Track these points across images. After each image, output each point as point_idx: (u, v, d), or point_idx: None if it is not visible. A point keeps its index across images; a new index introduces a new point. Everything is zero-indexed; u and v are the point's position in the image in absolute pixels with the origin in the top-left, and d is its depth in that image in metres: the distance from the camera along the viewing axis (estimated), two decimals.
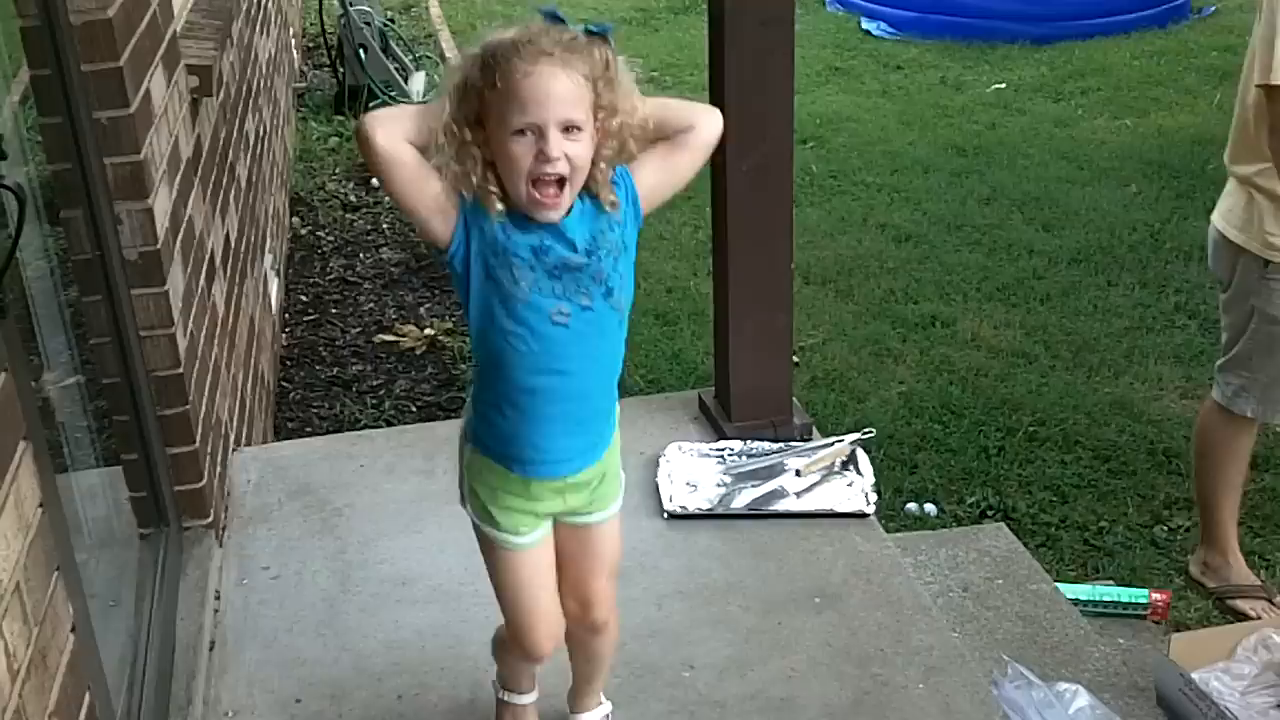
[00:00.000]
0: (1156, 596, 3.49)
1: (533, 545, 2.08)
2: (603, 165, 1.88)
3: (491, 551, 2.11)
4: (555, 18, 1.84)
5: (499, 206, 1.86)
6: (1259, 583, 3.57)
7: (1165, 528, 3.91)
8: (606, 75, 1.84)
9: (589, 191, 1.91)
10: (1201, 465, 3.56)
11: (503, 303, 1.91)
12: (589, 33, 1.86)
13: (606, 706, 2.44)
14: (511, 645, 2.21)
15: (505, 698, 2.40)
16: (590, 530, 2.14)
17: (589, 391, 2.01)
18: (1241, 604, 3.53)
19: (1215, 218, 3.29)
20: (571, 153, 1.81)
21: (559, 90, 1.79)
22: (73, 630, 1.63)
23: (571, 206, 1.89)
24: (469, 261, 1.90)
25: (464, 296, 1.95)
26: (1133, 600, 3.48)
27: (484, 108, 1.81)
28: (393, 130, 1.84)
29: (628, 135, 1.89)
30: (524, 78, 1.77)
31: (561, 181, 1.83)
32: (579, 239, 1.90)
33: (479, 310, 1.93)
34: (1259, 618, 3.46)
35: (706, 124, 2.00)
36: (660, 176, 1.99)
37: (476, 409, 2.05)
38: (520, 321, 1.91)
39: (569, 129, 1.80)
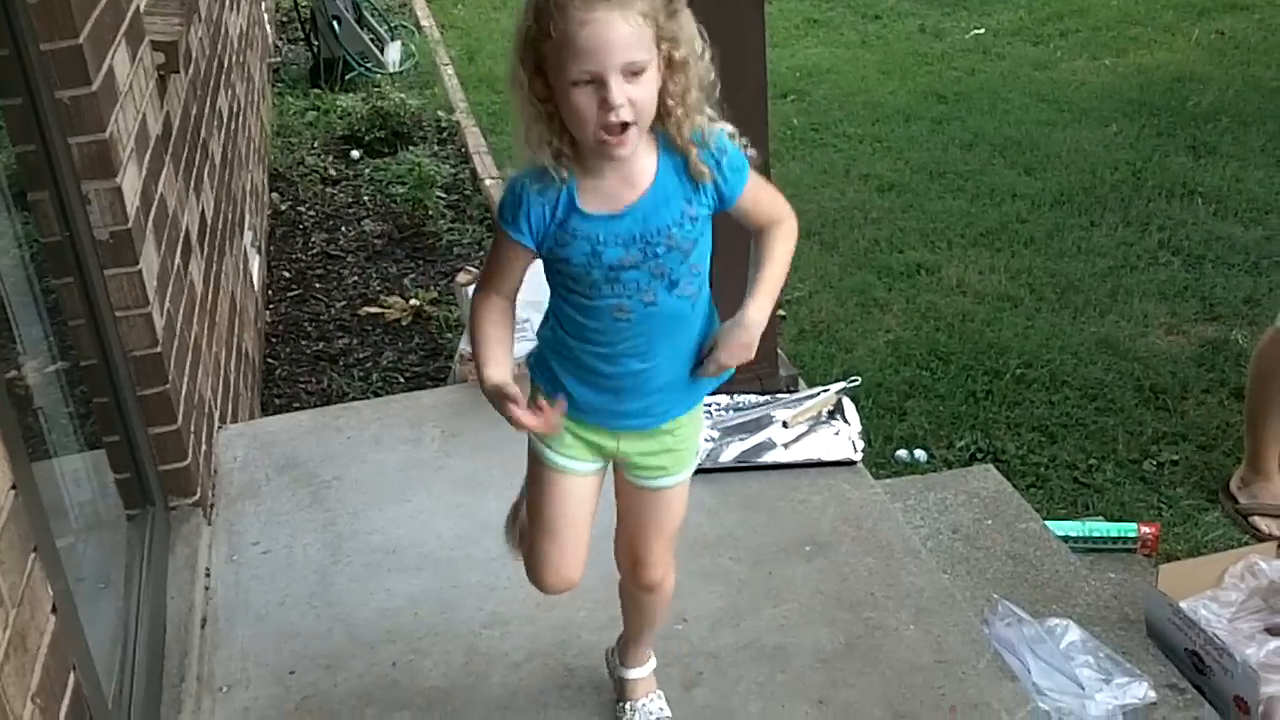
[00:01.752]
0: (1145, 530, 3.50)
1: (572, 472, 2.06)
2: (677, 107, 1.80)
3: (534, 465, 2.09)
4: None
5: (564, 174, 1.83)
6: None
7: (1153, 462, 3.92)
8: (670, 9, 1.77)
9: (672, 152, 1.85)
10: (1255, 389, 3.62)
11: (569, 294, 1.93)
12: None
13: (653, 663, 2.42)
14: (528, 553, 2.18)
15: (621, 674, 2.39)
16: (652, 494, 2.11)
17: (651, 370, 1.97)
18: (1260, 520, 3.62)
19: None
20: (635, 96, 1.74)
21: (618, 36, 1.71)
22: (53, 611, 1.63)
23: (645, 194, 1.84)
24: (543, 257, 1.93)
25: (544, 268, 1.96)
26: (1122, 534, 3.50)
27: (541, 57, 1.75)
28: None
29: (694, 66, 1.81)
30: (580, 26, 1.70)
31: (625, 126, 1.76)
32: (644, 231, 1.85)
33: (553, 289, 1.96)
34: (1271, 534, 3.54)
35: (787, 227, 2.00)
36: (749, 211, 1.95)
37: (547, 349, 2.03)
38: (582, 313, 1.93)
39: (632, 72, 1.73)
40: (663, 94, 1.79)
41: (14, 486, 1.55)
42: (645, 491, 2.11)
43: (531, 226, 1.87)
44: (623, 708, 2.39)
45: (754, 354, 1.96)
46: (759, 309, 1.93)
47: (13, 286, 2.44)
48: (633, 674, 2.39)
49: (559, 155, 1.82)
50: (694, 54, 1.80)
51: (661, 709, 2.39)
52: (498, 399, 1.89)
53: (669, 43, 1.77)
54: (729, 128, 1.89)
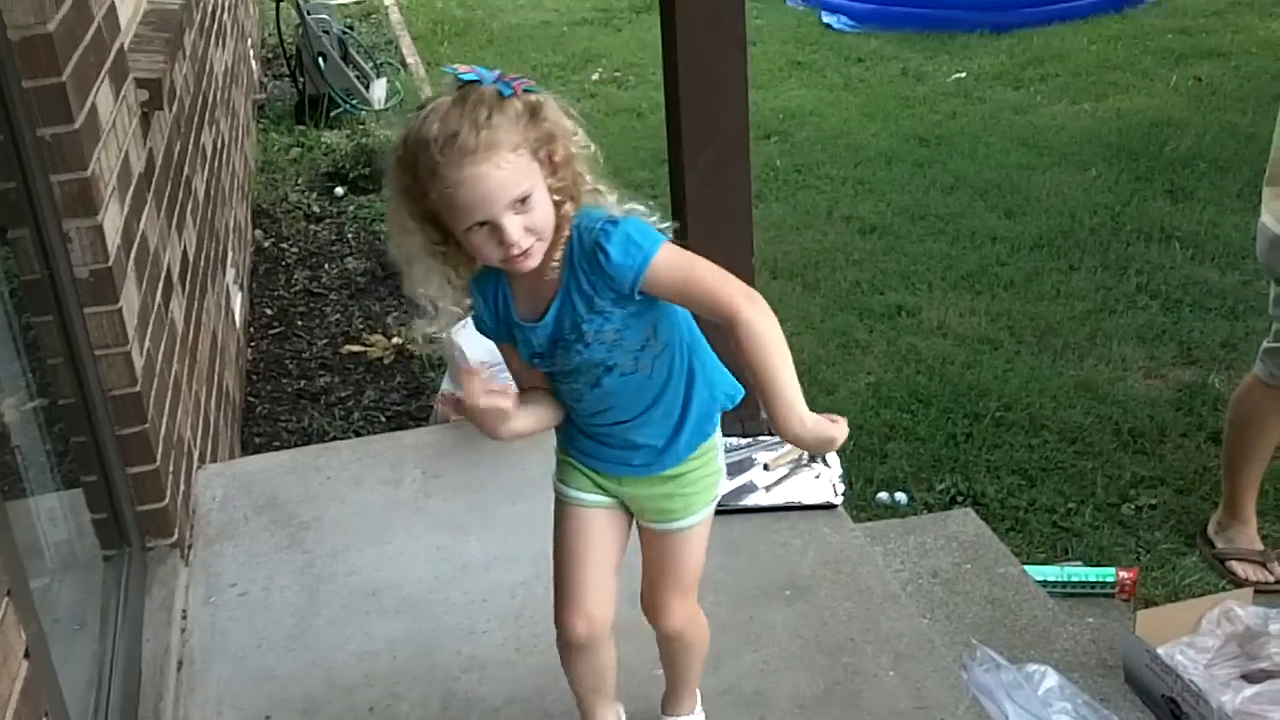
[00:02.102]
0: (1124, 575, 3.51)
1: (586, 504, 2.08)
2: (565, 202, 1.80)
3: (556, 504, 2.12)
4: (469, 79, 1.77)
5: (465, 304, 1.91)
6: (1261, 548, 3.65)
7: (1132, 506, 3.93)
8: (533, 121, 1.76)
9: (573, 261, 1.84)
10: (1233, 435, 3.64)
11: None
12: (501, 94, 1.75)
13: (700, 713, 2.41)
14: (556, 624, 2.15)
15: None
16: (662, 537, 2.11)
17: (631, 426, 1.99)
18: (1236, 565, 3.63)
19: (1266, 217, 3.32)
20: (529, 223, 1.76)
21: (494, 186, 1.72)
22: (26, 655, 1.61)
23: (554, 299, 1.86)
24: None
25: None
26: (1100, 579, 3.51)
27: (429, 205, 1.77)
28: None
29: (576, 154, 1.81)
30: (456, 188, 1.72)
31: (527, 251, 1.78)
32: (560, 334, 1.88)
33: None
34: (1247, 579, 3.55)
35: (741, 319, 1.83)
36: (679, 299, 1.87)
37: None
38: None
39: (520, 202, 1.75)
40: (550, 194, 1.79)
41: None
42: (656, 535, 2.11)
43: (489, 325, 1.95)
44: None
45: (815, 438, 1.87)
46: (780, 419, 1.85)
47: None
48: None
49: (457, 286, 1.87)
50: (572, 141, 1.81)
51: None
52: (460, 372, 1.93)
53: (545, 148, 1.77)
54: (638, 207, 1.86)
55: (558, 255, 1.83)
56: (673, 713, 2.40)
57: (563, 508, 2.11)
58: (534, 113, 1.76)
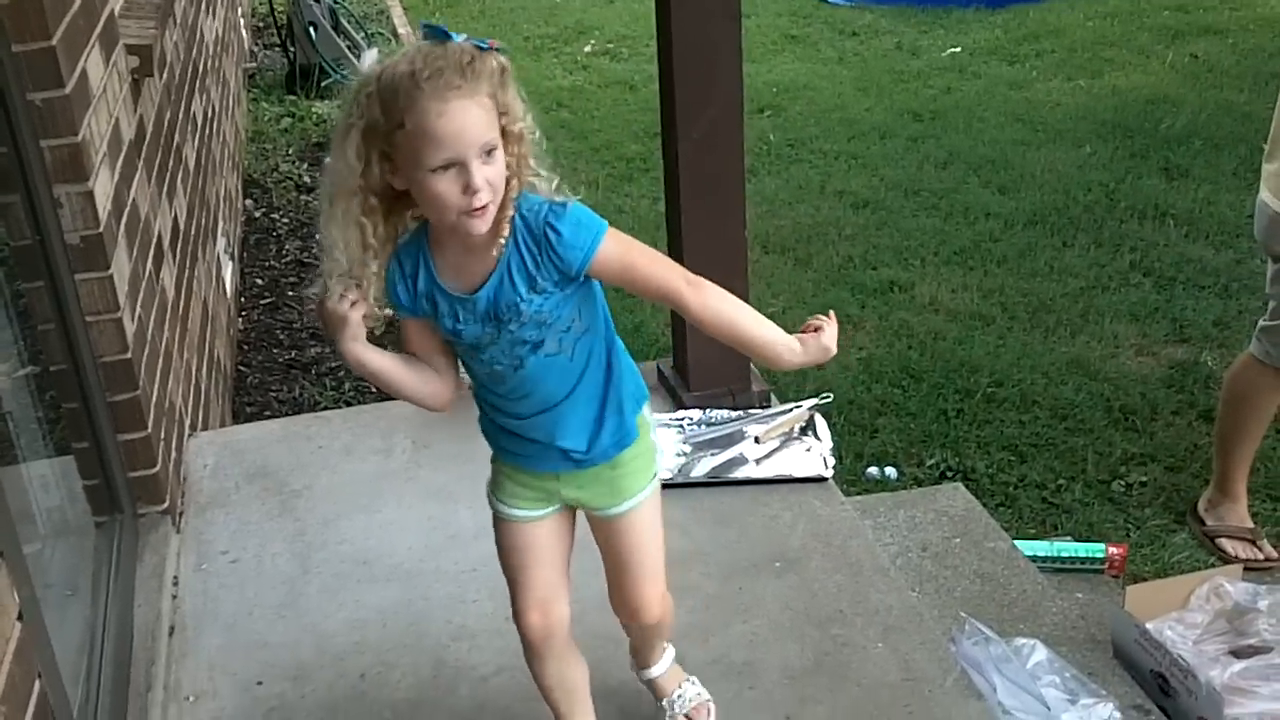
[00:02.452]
0: (1113, 550, 3.53)
1: (522, 519, 2.09)
2: (513, 177, 1.82)
3: (496, 524, 2.12)
4: (443, 34, 1.78)
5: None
6: (1251, 526, 3.66)
7: (1122, 483, 3.94)
8: (503, 82, 1.78)
9: (517, 239, 1.85)
10: (1226, 412, 3.64)
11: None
12: (480, 48, 1.78)
13: (670, 651, 2.41)
14: (516, 624, 2.17)
15: None
16: (612, 524, 2.10)
17: (555, 415, 1.98)
18: (1225, 542, 3.64)
19: (1265, 194, 3.32)
20: (490, 176, 1.76)
21: (473, 121, 1.73)
22: (19, 618, 1.61)
23: (491, 274, 1.86)
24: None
25: None
26: (1089, 555, 3.52)
27: (391, 148, 1.76)
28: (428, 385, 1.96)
29: (526, 135, 1.83)
30: (437, 116, 1.71)
31: (486, 205, 1.78)
32: (497, 310, 1.87)
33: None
34: (1237, 556, 3.55)
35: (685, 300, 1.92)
36: (625, 281, 1.91)
37: (478, 403, 2.07)
38: (471, 366, 1.97)
39: (486, 153, 1.76)
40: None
41: None
42: (607, 523, 2.11)
43: (402, 300, 1.91)
44: (661, 706, 2.38)
45: (812, 355, 1.93)
46: (771, 359, 1.93)
47: None
48: (656, 671, 2.38)
49: (369, 245, 1.82)
50: (525, 123, 1.82)
51: (699, 693, 2.39)
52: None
53: (506, 116, 1.78)
54: (575, 198, 1.88)
55: (505, 230, 1.83)
56: (653, 662, 2.38)
57: (502, 526, 2.10)
58: (503, 74, 1.78)
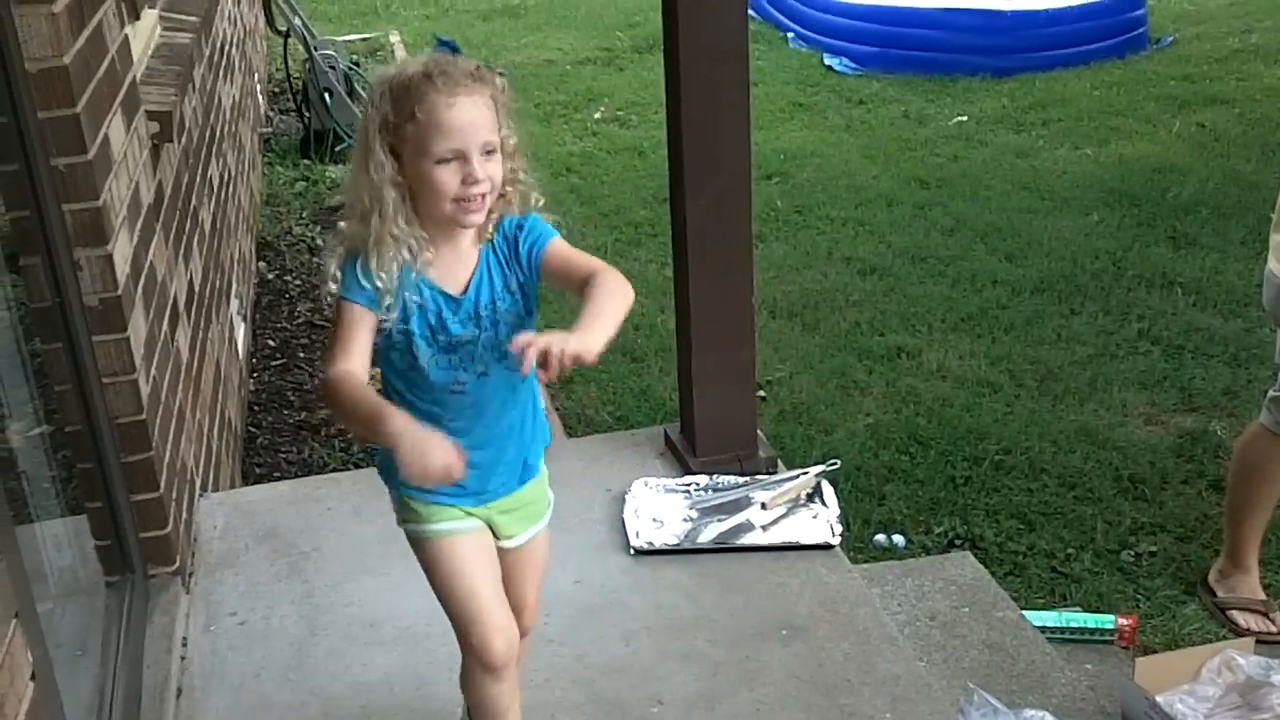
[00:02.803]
0: (1123, 621, 3.51)
1: (459, 533, 2.13)
2: (509, 186, 2.03)
3: (423, 548, 2.16)
4: (453, 48, 1.95)
5: (426, 256, 1.99)
6: (1263, 598, 3.65)
7: (1132, 553, 3.93)
8: (503, 99, 1.98)
9: (494, 244, 2.05)
10: (1237, 482, 3.64)
11: (404, 374, 2.06)
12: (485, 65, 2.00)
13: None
14: (466, 655, 2.20)
15: None
16: (523, 550, 2.26)
17: (493, 442, 2.11)
18: (1237, 615, 3.62)
19: (1273, 263, 3.35)
20: (491, 172, 1.95)
21: (477, 117, 1.92)
22: (32, 678, 1.62)
23: (474, 273, 2.03)
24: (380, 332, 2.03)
25: (377, 353, 2.06)
26: (1099, 625, 3.51)
27: (400, 141, 1.93)
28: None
29: (518, 152, 2.03)
30: (447, 109, 1.90)
31: (483, 197, 1.96)
32: (480, 308, 2.03)
33: (388, 371, 2.08)
34: (1249, 629, 3.54)
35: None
36: (561, 279, 2.08)
37: (386, 453, 2.07)
38: (419, 392, 2.06)
39: (487, 151, 1.94)
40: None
41: None
42: (519, 551, 2.25)
43: (368, 294, 1.98)
44: None
45: (557, 360, 1.87)
46: (586, 332, 1.91)
47: (1, 350, 2.45)
48: None
49: (410, 235, 1.98)
50: (516, 140, 2.03)
51: None
52: (418, 438, 1.85)
53: (505, 129, 1.99)
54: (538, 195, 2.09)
55: (490, 231, 2.04)
56: None
57: (434, 544, 2.13)
58: (504, 91, 2.00)
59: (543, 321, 2.13)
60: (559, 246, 2.08)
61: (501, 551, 2.23)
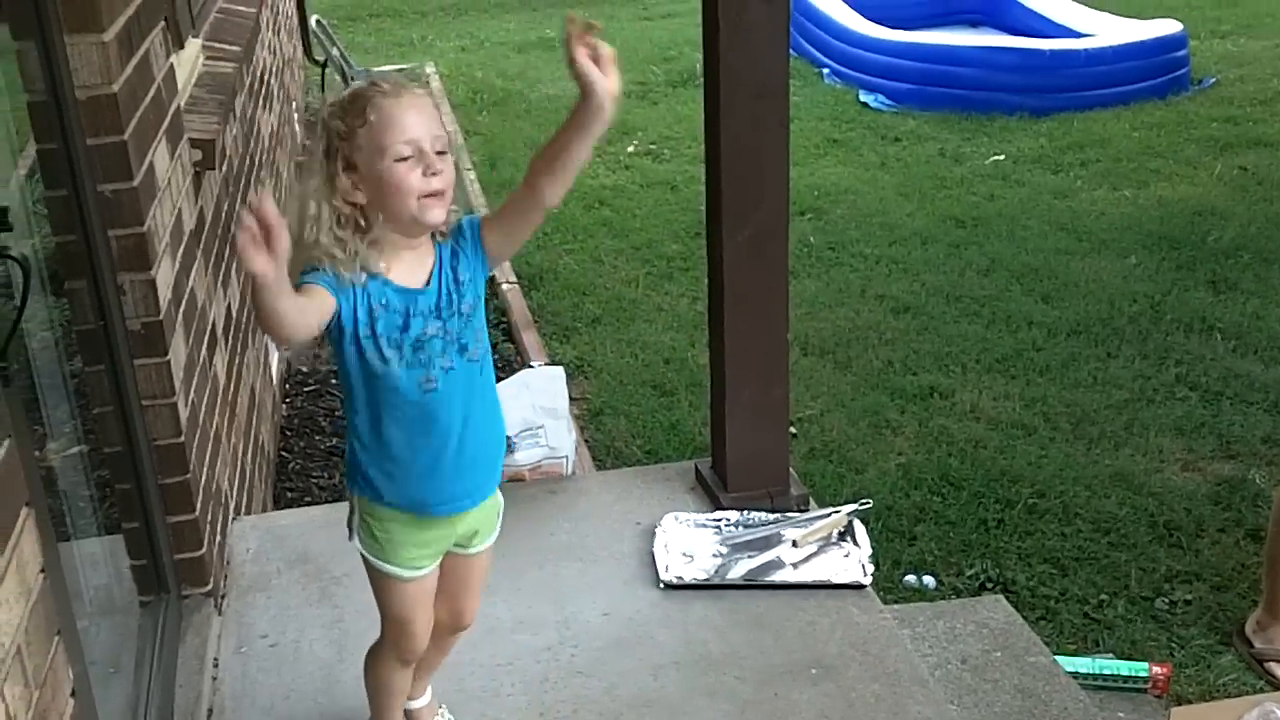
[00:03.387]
0: (1157, 670, 3.47)
1: (421, 577, 2.28)
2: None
3: (384, 582, 2.29)
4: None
5: (381, 266, 2.05)
6: None
7: (1166, 601, 3.89)
8: (439, 108, 2.08)
9: (444, 241, 2.13)
10: (1276, 531, 3.58)
11: (374, 379, 2.09)
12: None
13: (430, 692, 2.63)
14: (387, 654, 2.40)
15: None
16: (474, 559, 2.36)
17: (468, 439, 2.17)
18: (1275, 666, 3.57)
19: None
20: (445, 169, 2.01)
21: (429, 114, 2.02)
22: (72, 695, 1.64)
23: (433, 269, 2.10)
24: (343, 342, 2.07)
25: (341, 369, 2.13)
26: (1133, 673, 3.47)
27: (354, 150, 1.99)
28: (296, 325, 1.96)
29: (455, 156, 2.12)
30: (395, 106, 1.99)
31: (444, 191, 2.03)
32: (441, 300, 2.10)
33: (357, 384, 2.11)
34: None
35: (555, 198, 2.12)
36: (504, 237, 2.17)
37: (362, 461, 2.17)
38: (392, 398, 2.10)
39: (439, 152, 2.01)
40: None
41: (43, 570, 1.57)
42: (466, 559, 2.34)
43: (329, 280, 2.02)
44: None
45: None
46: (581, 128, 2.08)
47: (45, 371, 2.48)
48: (418, 703, 2.59)
49: (354, 243, 2.03)
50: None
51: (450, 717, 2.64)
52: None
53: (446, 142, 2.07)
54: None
55: (447, 229, 2.11)
56: (418, 694, 2.60)
57: (397, 586, 2.27)
58: (438, 103, 2.10)
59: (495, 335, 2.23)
60: (487, 218, 2.17)
61: (455, 559, 2.33)
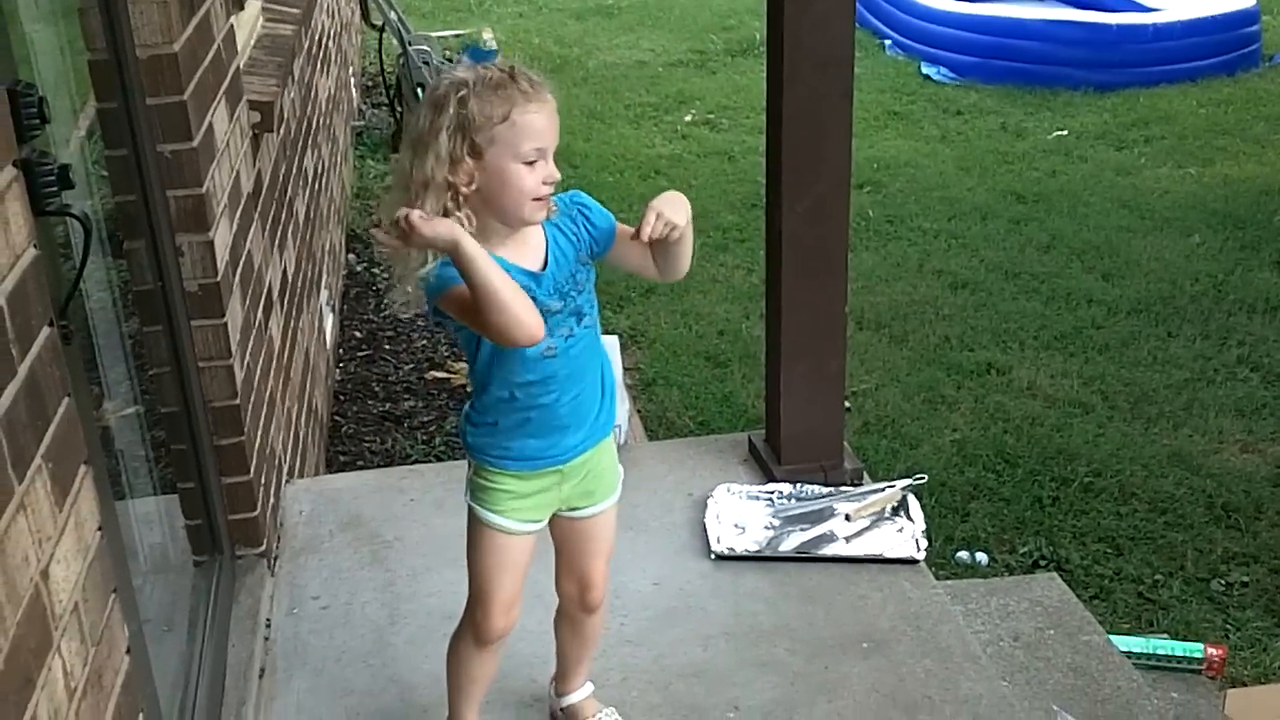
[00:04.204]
0: (1212, 651, 3.43)
1: (523, 534, 2.27)
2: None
3: (482, 534, 2.28)
4: (487, 55, 1.99)
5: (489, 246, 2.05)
6: None
7: (1222, 582, 3.84)
8: None
9: (558, 222, 2.17)
10: None
11: (499, 353, 2.12)
12: None
13: (590, 687, 2.56)
14: (465, 633, 2.37)
15: None
16: (590, 522, 2.34)
17: (582, 399, 2.22)
18: None
19: None
20: (555, 173, 2.08)
21: (555, 118, 2.07)
22: (128, 652, 1.65)
23: (547, 251, 2.14)
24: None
25: (466, 339, 2.17)
26: (1188, 654, 3.43)
27: (489, 141, 2.01)
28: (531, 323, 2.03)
29: None
30: (536, 113, 2.03)
31: (549, 197, 2.09)
32: (560, 282, 2.13)
33: (482, 351, 2.15)
34: None
35: (674, 279, 2.29)
36: (620, 253, 2.23)
37: (478, 421, 2.23)
38: (519, 367, 2.14)
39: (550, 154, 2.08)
40: None
41: (100, 528, 1.58)
42: (583, 521, 2.32)
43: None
44: None
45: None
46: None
47: (103, 330, 2.50)
48: (577, 697, 2.54)
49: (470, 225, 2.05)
50: None
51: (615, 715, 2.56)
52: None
53: None
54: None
55: (552, 210, 2.15)
56: (574, 688, 2.55)
57: (496, 539, 2.27)
58: None
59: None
60: (620, 228, 2.23)
61: (570, 524, 2.33)
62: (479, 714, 2.46)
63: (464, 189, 2.03)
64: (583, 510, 2.32)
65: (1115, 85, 8.49)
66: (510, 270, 2.05)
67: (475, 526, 2.29)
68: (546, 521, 2.31)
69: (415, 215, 1.96)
